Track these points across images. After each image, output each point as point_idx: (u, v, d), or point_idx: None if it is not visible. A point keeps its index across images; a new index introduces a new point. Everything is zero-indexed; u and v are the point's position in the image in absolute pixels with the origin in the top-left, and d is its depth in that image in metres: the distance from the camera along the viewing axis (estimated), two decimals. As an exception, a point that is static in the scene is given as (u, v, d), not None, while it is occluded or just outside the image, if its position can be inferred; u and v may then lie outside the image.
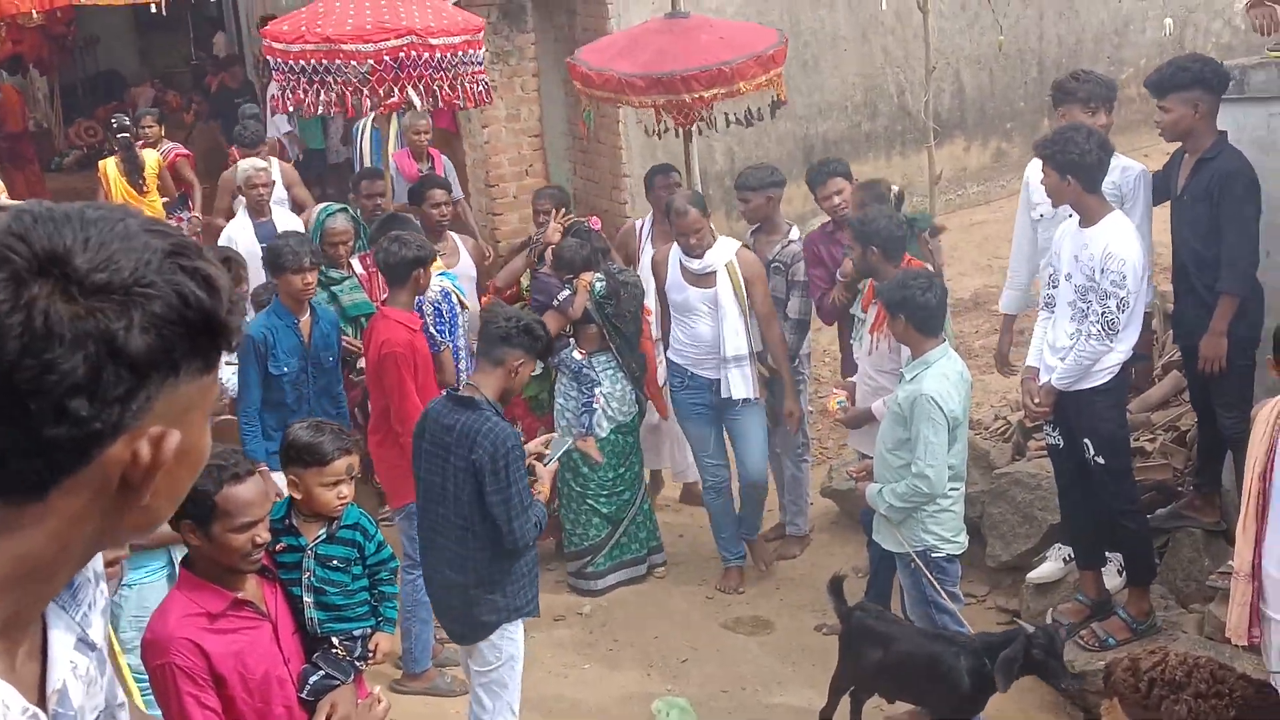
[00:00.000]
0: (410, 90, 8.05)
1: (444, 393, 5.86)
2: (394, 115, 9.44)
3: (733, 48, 8.24)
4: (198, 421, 1.53)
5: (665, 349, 8.04)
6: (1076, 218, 6.27)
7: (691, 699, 6.82)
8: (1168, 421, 7.51)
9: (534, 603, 5.79)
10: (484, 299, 8.36)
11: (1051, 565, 7.04)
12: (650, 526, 8.27)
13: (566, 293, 7.71)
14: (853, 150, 12.21)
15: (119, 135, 11.90)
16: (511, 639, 5.67)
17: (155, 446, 1.45)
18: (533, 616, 5.89)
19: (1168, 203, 6.72)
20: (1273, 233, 6.33)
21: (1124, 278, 6.02)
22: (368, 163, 11.10)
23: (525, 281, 8.32)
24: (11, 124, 16.91)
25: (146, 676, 4.07)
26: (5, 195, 9.88)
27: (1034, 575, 7.09)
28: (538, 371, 7.72)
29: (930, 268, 7.42)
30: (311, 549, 4.56)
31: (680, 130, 8.71)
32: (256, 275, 7.86)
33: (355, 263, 8.31)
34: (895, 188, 7.85)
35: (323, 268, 7.66)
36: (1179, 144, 6.56)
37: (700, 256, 7.49)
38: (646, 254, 8.52)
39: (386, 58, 7.95)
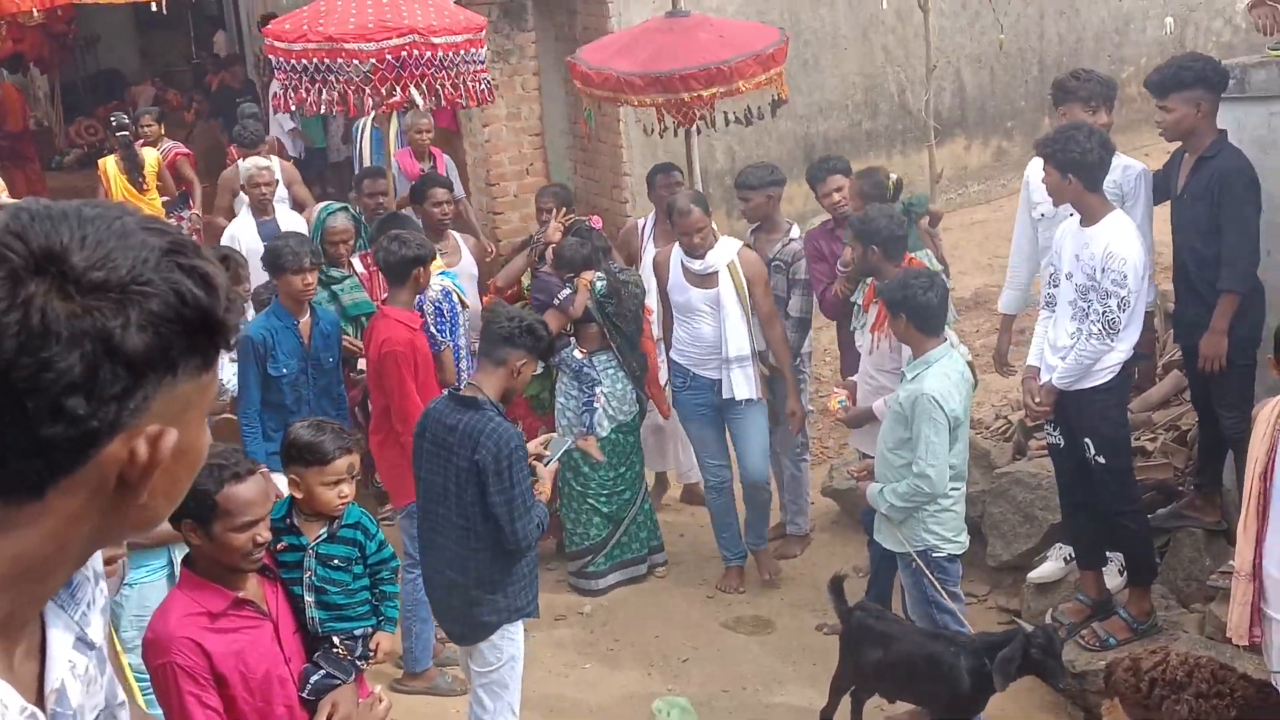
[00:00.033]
0: (412, 89, 8.04)
1: (445, 392, 5.86)
2: (394, 114, 9.44)
3: (732, 46, 8.24)
4: (196, 420, 1.53)
5: (667, 349, 8.03)
6: (1077, 217, 6.26)
7: (692, 698, 6.83)
8: (1168, 421, 7.51)
9: (534, 603, 5.79)
10: (485, 298, 8.35)
11: (1052, 565, 7.04)
12: (651, 526, 8.27)
13: (567, 291, 7.71)
14: (853, 149, 12.21)
15: (118, 134, 11.91)
16: (512, 639, 5.67)
17: (153, 445, 1.44)
18: (533, 617, 5.89)
19: (1168, 202, 6.72)
20: (1273, 232, 6.33)
21: (1125, 277, 6.01)
22: (368, 162, 11.11)
23: (526, 280, 8.32)
24: (12, 123, 16.91)
25: (148, 676, 4.06)
26: (5, 194, 9.89)
27: (1035, 575, 7.09)
28: (539, 371, 7.72)
29: (930, 254, 7.43)
30: (312, 548, 4.56)
31: (681, 129, 8.71)
32: (259, 274, 7.86)
33: (356, 262, 8.31)
34: (893, 176, 7.86)
35: (323, 267, 7.66)
36: (1179, 143, 6.56)
37: (702, 257, 7.49)
38: (649, 253, 8.51)
39: (389, 56, 7.95)
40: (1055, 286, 6.41)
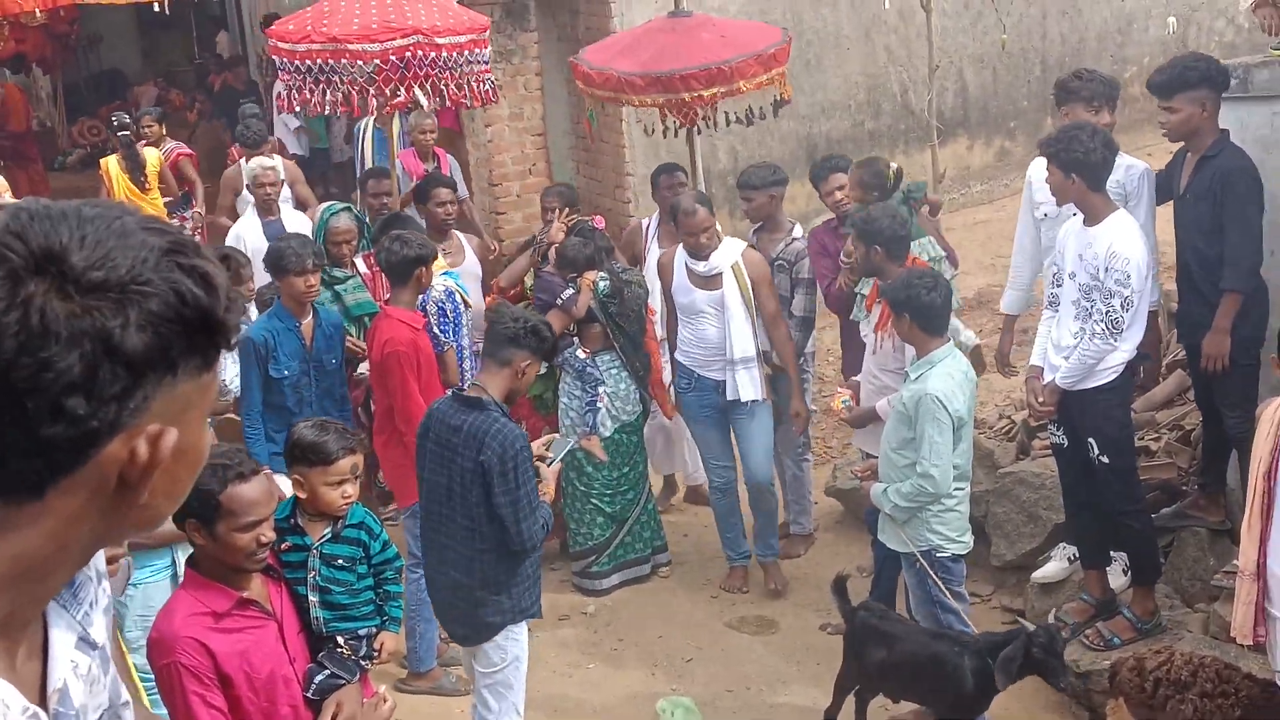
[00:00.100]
0: (417, 90, 8.04)
1: (449, 393, 5.85)
2: (397, 115, 9.44)
3: (733, 46, 8.24)
4: (196, 420, 1.53)
5: (671, 350, 8.02)
6: (1081, 216, 6.26)
7: (696, 698, 6.82)
8: (1172, 421, 7.51)
9: (538, 604, 5.79)
10: (488, 298, 8.35)
11: (1056, 565, 7.04)
12: (654, 526, 8.27)
13: (570, 291, 7.71)
14: (856, 149, 12.19)
15: (120, 133, 11.93)
16: (516, 640, 5.67)
17: (153, 445, 1.44)
18: (536, 618, 5.89)
19: (1170, 202, 6.72)
20: (1276, 231, 6.33)
21: (1128, 276, 6.01)
22: (370, 162, 11.11)
23: (529, 281, 8.32)
24: (15, 123, 16.92)
25: (152, 676, 4.07)
26: (8, 194, 9.90)
27: (1039, 575, 7.08)
28: (542, 371, 7.72)
29: (933, 240, 7.42)
30: (317, 548, 4.56)
31: (683, 129, 8.71)
32: (265, 274, 7.86)
33: (359, 262, 8.31)
34: (893, 165, 7.87)
35: (326, 267, 7.66)
36: (1181, 143, 6.56)
37: (707, 258, 7.48)
38: (653, 253, 8.52)
39: (393, 57, 7.95)
40: (1058, 286, 6.41)
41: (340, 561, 4.57)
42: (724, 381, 7.59)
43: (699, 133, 8.89)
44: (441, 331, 7.39)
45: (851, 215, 7.25)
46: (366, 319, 7.77)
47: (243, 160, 10.96)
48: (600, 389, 7.80)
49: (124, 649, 4.74)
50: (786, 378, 7.71)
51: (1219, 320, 6.20)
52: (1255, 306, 6.24)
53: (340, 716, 4.22)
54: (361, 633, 4.54)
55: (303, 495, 4.61)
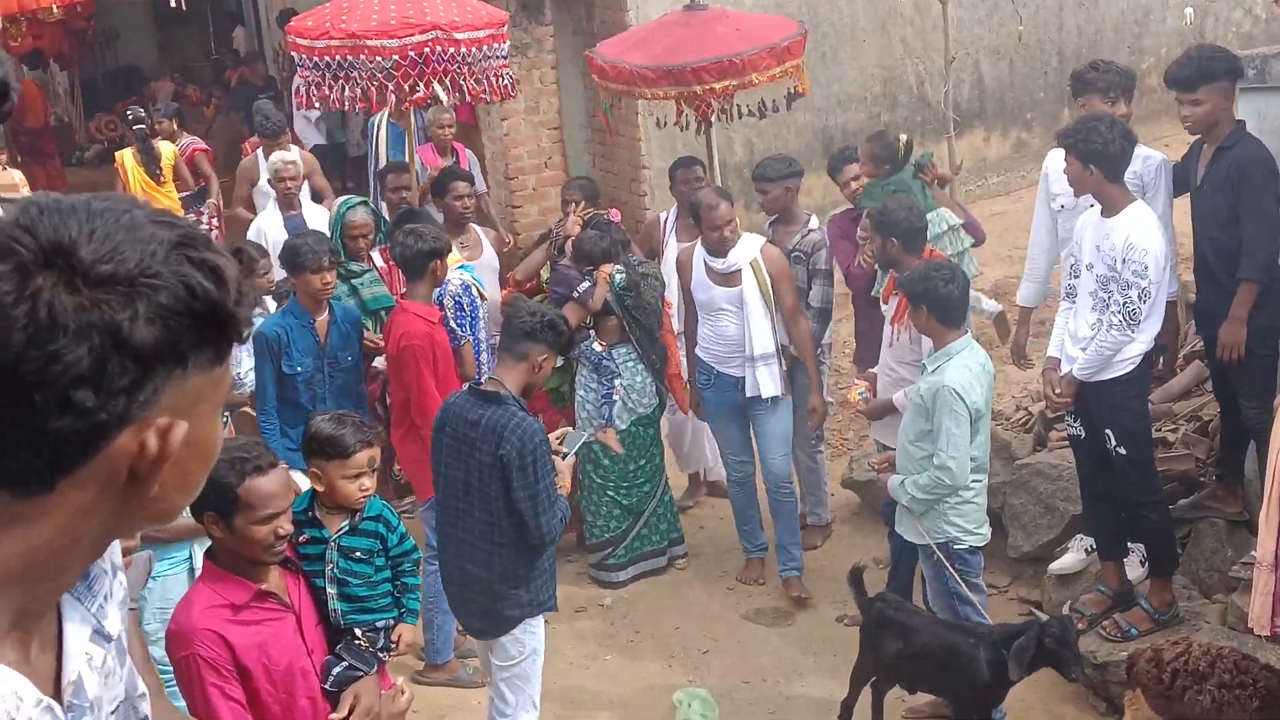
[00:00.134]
0: (436, 85, 8.04)
1: (466, 387, 5.87)
2: (412, 110, 9.44)
3: (747, 39, 8.23)
4: (207, 413, 1.53)
5: (689, 346, 7.98)
6: (1098, 207, 6.25)
7: (712, 690, 6.84)
8: (1190, 412, 7.49)
9: (554, 597, 5.81)
10: (505, 292, 8.36)
11: (1073, 556, 7.03)
12: (671, 518, 8.27)
13: (586, 284, 7.71)
14: (872, 142, 12.18)
15: (135, 127, 11.96)
16: (534, 633, 5.68)
17: (162, 438, 1.45)
18: (553, 611, 5.90)
19: (1187, 194, 6.70)
20: (1294, 221, 6.31)
21: (1145, 268, 6.00)
22: (384, 158, 11.11)
23: (545, 274, 8.32)
24: (32, 119, 16.95)
25: (170, 668, 4.09)
26: (26, 189, 9.94)
27: (1056, 566, 7.07)
28: (559, 364, 7.73)
29: (948, 212, 7.42)
30: (334, 541, 4.57)
31: (699, 122, 8.70)
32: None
33: (376, 256, 8.32)
34: (903, 137, 7.86)
35: (343, 261, 7.67)
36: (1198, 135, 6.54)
37: (726, 255, 7.42)
38: (670, 247, 8.51)
39: (411, 53, 7.94)
40: (1076, 277, 6.40)
41: (358, 554, 4.58)
42: (743, 378, 7.56)
43: (708, 126, 8.88)
44: (458, 325, 7.39)
45: (864, 203, 7.27)
46: (383, 313, 7.78)
47: (259, 151, 10.98)
48: (616, 382, 7.80)
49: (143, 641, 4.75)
50: (804, 371, 7.70)
51: (1235, 309, 6.19)
52: (1272, 296, 6.23)
53: (358, 708, 4.23)
54: (379, 625, 4.56)
55: (320, 488, 4.62)
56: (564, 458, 5.64)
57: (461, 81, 8.19)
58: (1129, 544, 6.70)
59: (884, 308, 7.05)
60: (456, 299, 7.42)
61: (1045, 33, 13.83)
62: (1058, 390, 6.42)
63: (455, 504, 5.64)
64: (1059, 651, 5.57)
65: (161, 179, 11.65)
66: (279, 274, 7.91)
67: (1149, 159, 6.74)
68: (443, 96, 8.29)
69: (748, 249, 7.47)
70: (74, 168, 18.61)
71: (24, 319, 1.35)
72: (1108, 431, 6.28)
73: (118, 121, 19.10)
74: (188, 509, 1.88)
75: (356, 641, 4.42)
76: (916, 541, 6.25)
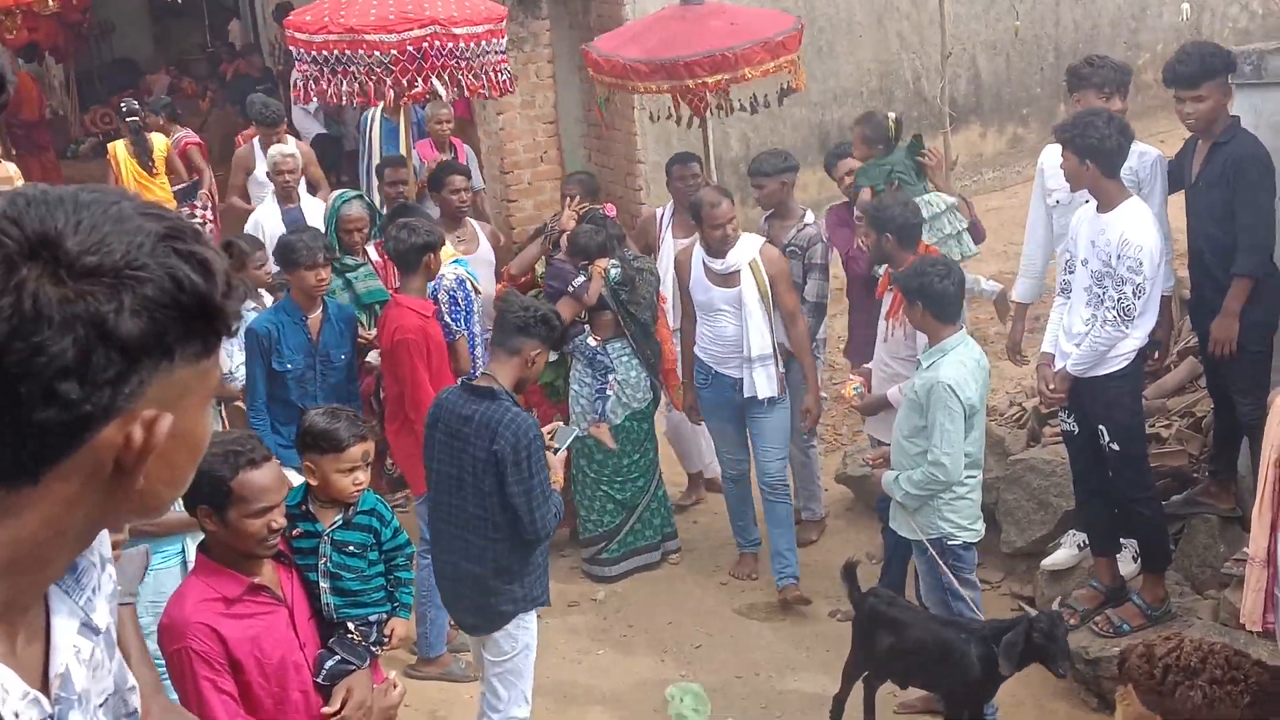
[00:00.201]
0: (434, 80, 8.02)
1: (458, 382, 5.86)
2: (405, 105, 9.42)
3: (741, 34, 8.23)
4: (194, 406, 1.52)
5: (685, 344, 7.92)
6: (1094, 203, 6.25)
7: (705, 685, 6.84)
8: (1184, 408, 7.50)
9: (547, 592, 5.82)
10: (499, 286, 8.35)
11: (1066, 552, 7.04)
12: (664, 513, 8.27)
13: (581, 279, 7.71)
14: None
15: (128, 119, 11.94)
16: (527, 628, 5.69)
17: (148, 430, 1.44)
18: (546, 605, 5.90)
19: (1181, 191, 6.70)
20: (1288, 218, 6.32)
21: (1140, 264, 6.00)
22: (378, 153, 11.09)
23: (540, 268, 8.32)
24: (27, 111, 16.91)
25: (163, 661, 4.09)
26: (21, 181, 9.92)
27: (1048, 562, 7.08)
28: (553, 359, 7.73)
29: (941, 194, 7.43)
30: (328, 535, 4.57)
31: (693, 117, 8.70)
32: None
33: (371, 250, 8.31)
34: (892, 115, 7.87)
35: (338, 256, 7.66)
36: (1186, 128, 6.54)
37: (725, 255, 7.38)
38: (666, 243, 8.51)
39: (410, 48, 7.91)
40: (1071, 273, 6.40)
41: (351, 548, 4.59)
42: (741, 379, 7.54)
43: (697, 121, 8.88)
44: (453, 320, 7.38)
45: (861, 182, 7.29)
46: (378, 307, 7.76)
47: (256, 140, 10.96)
48: (610, 376, 7.80)
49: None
50: (799, 369, 7.68)
51: (1228, 304, 6.20)
52: (1267, 292, 6.24)
53: (350, 702, 4.24)
54: (372, 619, 4.56)
55: (314, 482, 4.63)
56: (555, 452, 5.64)
57: (460, 77, 8.18)
58: (1122, 540, 6.71)
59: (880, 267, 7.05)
60: (451, 293, 7.41)
61: (1042, 28, 13.84)
62: (1052, 386, 6.42)
63: (449, 500, 5.64)
64: (1047, 647, 5.57)
65: (154, 171, 11.63)
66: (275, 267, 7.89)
67: (1145, 155, 6.74)
68: (441, 92, 8.28)
69: (747, 249, 7.44)
70: (69, 161, 18.56)
71: (8, 310, 1.35)
72: (1101, 427, 6.28)
73: (113, 114, 19.06)
74: (180, 502, 1.87)
75: (349, 635, 4.43)
76: (910, 537, 6.26)
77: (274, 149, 9.94)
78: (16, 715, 1.47)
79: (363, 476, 4.66)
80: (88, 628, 1.65)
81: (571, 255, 7.86)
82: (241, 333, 6.76)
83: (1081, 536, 6.94)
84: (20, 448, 1.40)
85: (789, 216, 8.02)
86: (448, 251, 7.42)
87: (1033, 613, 5.77)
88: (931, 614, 6.19)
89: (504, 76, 8.53)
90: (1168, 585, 6.54)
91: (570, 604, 7.78)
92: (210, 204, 11.85)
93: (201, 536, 4.18)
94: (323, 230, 7.85)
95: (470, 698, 6.66)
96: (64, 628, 1.60)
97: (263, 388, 6.92)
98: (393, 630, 4.70)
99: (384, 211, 8.87)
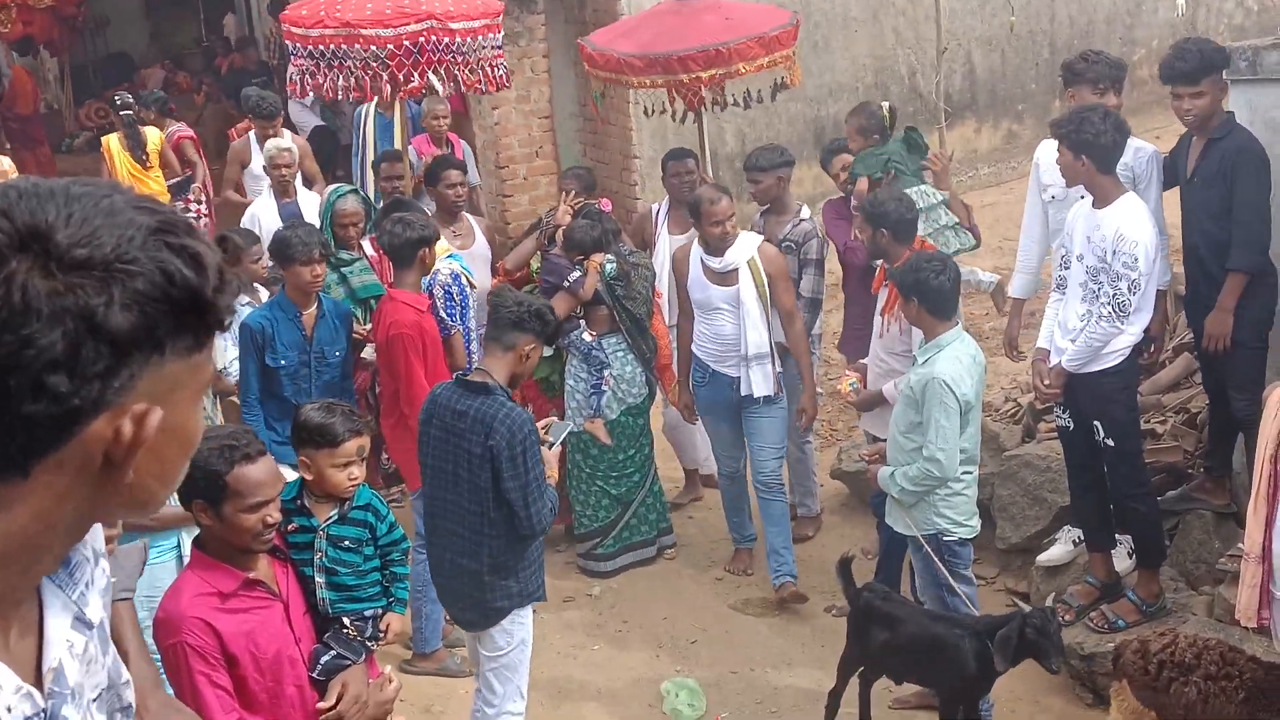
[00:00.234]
0: (431, 75, 8.01)
1: (453, 378, 5.85)
2: (399, 100, 9.41)
3: (736, 29, 8.21)
4: (186, 400, 1.52)
5: (682, 341, 7.91)
6: (1089, 198, 6.25)
7: (700, 680, 6.85)
8: (1179, 404, 7.50)
9: (542, 587, 5.81)
10: (495, 281, 8.34)
11: (1061, 548, 7.04)
12: (660, 509, 8.27)
13: (577, 274, 7.70)
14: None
15: (122, 112, 11.93)
16: (523, 624, 5.68)
17: (138, 424, 1.43)
18: (541, 601, 5.90)
19: (1176, 187, 6.70)
20: (1283, 214, 6.32)
21: (1136, 260, 6.00)
22: (372, 148, 11.08)
23: (535, 263, 8.31)
24: (22, 105, 16.90)
25: (159, 655, 4.08)
26: (15, 175, 9.90)
27: (1043, 558, 7.08)
28: (549, 353, 7.72)
29: (931, 187, 7.44)
30: (323, 529, 4.57)
31: (687, 112, 8.70)
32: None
33: (366, 244, 8.30)
34: (885, 104, 7.86)
35: (333, 250, 7.64)
36: (1183, 124, 6.54)
37: (723, 253, 7.36)
38: (662, 239, 8.50)
39: (406, 42, 7.89)
40: (1066, 269, 6.40)
41: (347, 543, 4.59)
42: (739, 377, 7.53)
43: (693, 115, 8.87)
44: (448, 315, 7.38)
45: (858, 170, 7.29)
46: (373, 302, 7.75)
47: (252, 134, 10.95)
48: (606, 372, 7.80)
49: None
50: (794, 365, 7.66)
51: (1223, 299, 6.20)
52: (1263, 288, 6.24)
53: (345, 697, 4.23)
54: (367, 614, 4.56)
55: (309, 477, 4.63)
56: (549, 447, 5.63)
57: (456, 72, 8.16)
58: (1117, 535, 6.72)
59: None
60: (446, 288, 7.40)
61: (1037, 24, 13.84)
62: (1047, 381, 6.42)
63: (444, 495, 5.63)
64: (1039, 642, 5.57)
65: (147, 164, 11.63)
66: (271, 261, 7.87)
67: (1140, 150, 6.74)
68: (438, 87, 8.26)
69: (745, 248, 7.42)
70: (64, 154, 18.53)
71: None
72: (1096, 423, 6.29)
73: (107, 108, 19.04)
74: (175, 497, 1.86)
75: (345, 630, 4.42)
76: (906, 533, 6.26)
77: (270, 143, 9.92)
78: (9, 709, 1.47)
79: (358, 471, 4.65)
80: (81, 622, 1.65)
81: (567, 250, 7.86)
82: (235, 327, 6.75)
83: (1077, 532, 6.95)
84: (9, 441, 1.39)
85: (785, 212, 8.01)
86: (442, 246, 7.41)
87: (1026, 608, 5.77)
88: (926, 609, 6.19)
89: (500, 71, 8.51)
90: (1163, 581, 6.55)
91: (565, 599, 7.77)
92: (205, 198, 11.84)
93: (197, 531, 4.17)
94: (317, 225, 7.84)
95: (465, 693, 6.66)
96: (57, 622, 1.60)
97: (256, 383, 6.90)
98: (388, 625, 4.69)
99: (379, 206, 8.85)
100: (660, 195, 9.11)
